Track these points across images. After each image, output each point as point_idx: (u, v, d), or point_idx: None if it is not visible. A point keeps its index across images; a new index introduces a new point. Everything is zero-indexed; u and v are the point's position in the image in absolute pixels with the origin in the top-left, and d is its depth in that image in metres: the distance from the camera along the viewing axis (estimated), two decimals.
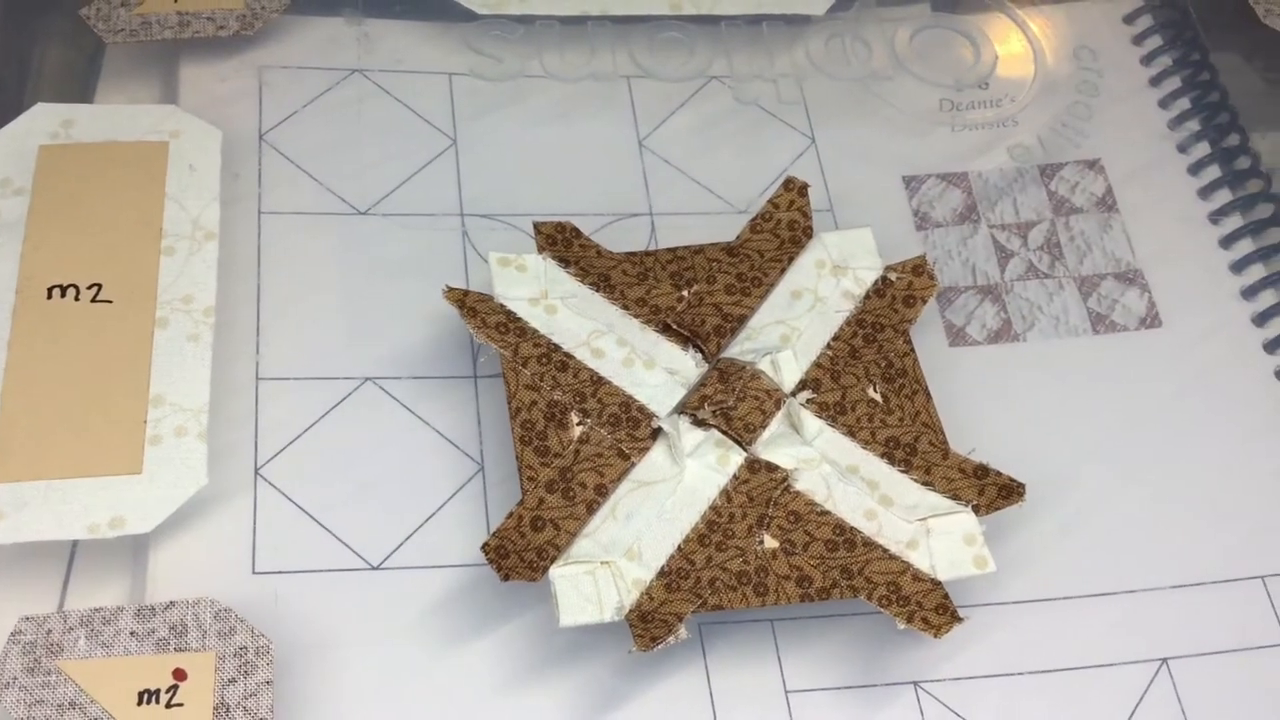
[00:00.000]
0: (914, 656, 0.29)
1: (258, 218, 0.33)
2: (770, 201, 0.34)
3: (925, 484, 0.30)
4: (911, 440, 0.30)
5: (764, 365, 0.31)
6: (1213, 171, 0.38)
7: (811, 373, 0.31)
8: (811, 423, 0.30)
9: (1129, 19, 0.42)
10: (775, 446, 0.30)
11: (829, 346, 0.31)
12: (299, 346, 0.31)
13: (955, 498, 0.29)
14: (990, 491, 0.30)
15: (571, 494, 0.28)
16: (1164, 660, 0.29)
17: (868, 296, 0.32)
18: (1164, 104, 0.40)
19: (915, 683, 0.28)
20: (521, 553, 0.27)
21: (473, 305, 0.30)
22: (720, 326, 0.31)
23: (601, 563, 0.27)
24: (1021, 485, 0.30)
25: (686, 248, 0.33)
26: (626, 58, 0.38)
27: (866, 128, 0.38)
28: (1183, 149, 0.39)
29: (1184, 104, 0.40)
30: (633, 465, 0.29)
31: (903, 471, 0.30)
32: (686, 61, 0.39)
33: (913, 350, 0.32)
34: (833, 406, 0.30)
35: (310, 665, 0.27)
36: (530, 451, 0.29)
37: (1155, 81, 0.40)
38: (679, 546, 0.28)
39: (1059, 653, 0.29)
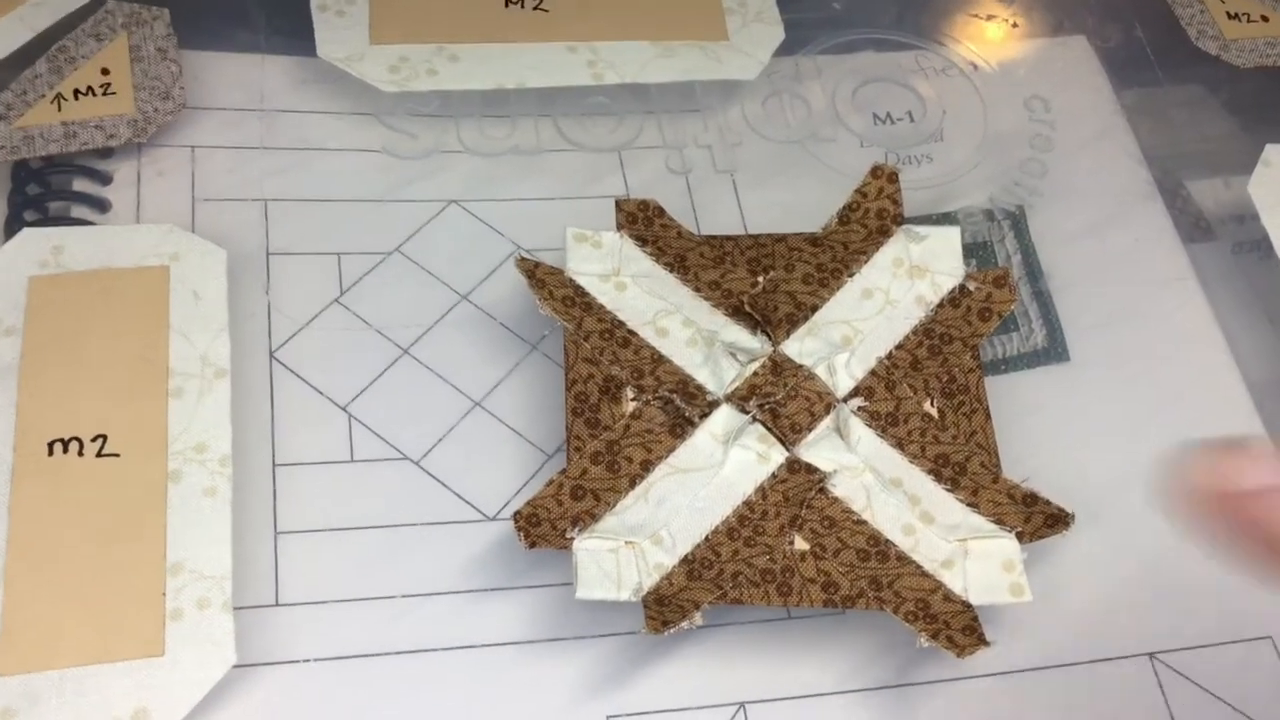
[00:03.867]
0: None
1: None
2: (858, 191, 0.33)
3: (970, 505, 0.29)
4: (962, 460, 0.29)
5: (820, 369, 0.30)
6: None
7: (867, 380, 0.30)
8: (857, 430, 0.29)
9: (1080, 62, 0.40)
10: (818, 449, 0.29)
11: (890, 355, 0.30)
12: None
13: (999, 522, 0.29)
14: (1036, 519, 0.29)
15: (616, 467, 0.28)
16: None
17: (941, 305, 0.31)
18: (1121, 152, 0.38)
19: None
20: (555, 521, 0.27)
21: (542, 277, 0.30)
22: (792, 315, 0.30)
23: (626, 542, 0.27)
24: (1069, 515, 0.29)
25: (769, 235, 0.32)
26: (551, 129, 0.36)
27: (805, 190, 0.36)
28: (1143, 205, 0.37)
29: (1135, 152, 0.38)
30: (680, 444, 0.28)
31: (948, 490, 0.29)
32: (614, 131, 0.36)
33: (979, 367, 0.31)
34: (884, 417, 0.29)
35: None
36: (581, 423, 0.29)
37: (1111, 132, 0.39)
38: (706, 536, 0.28)
39: None
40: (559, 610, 0.29)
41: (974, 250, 0.35)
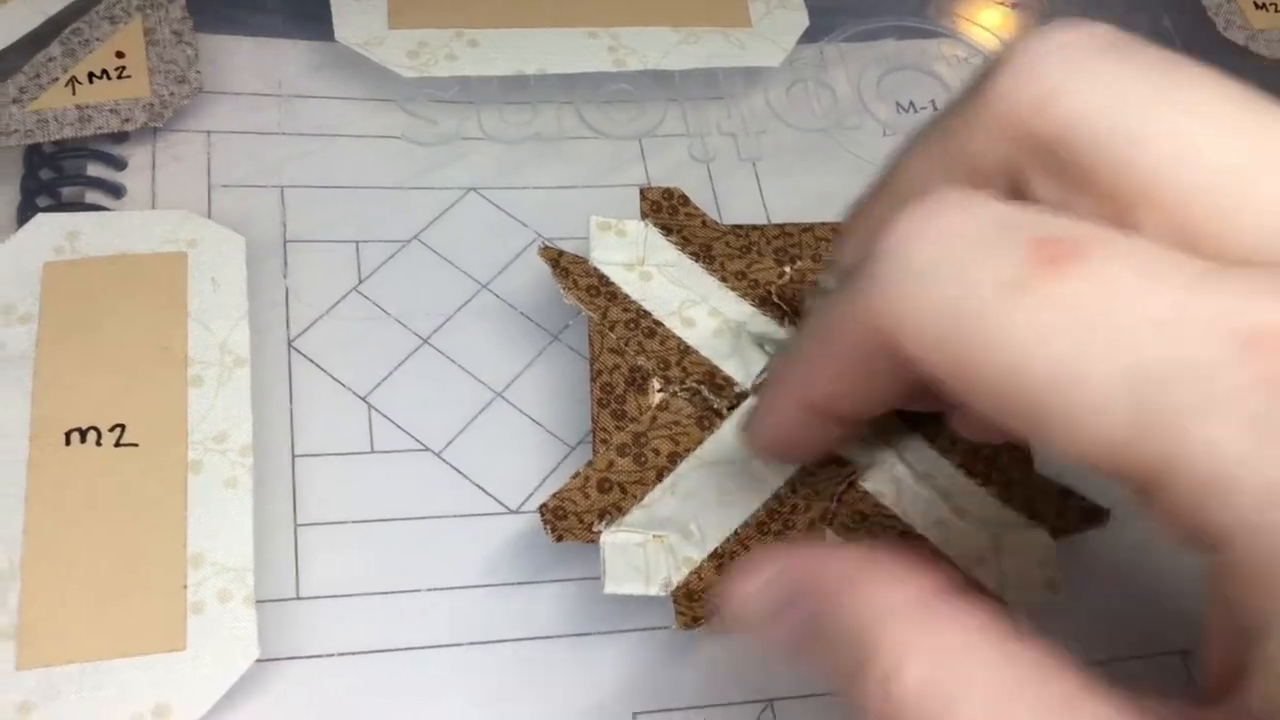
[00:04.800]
0: None
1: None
2: None
3: (1003, 500, 0.28)
4: (992, 453, 0.29)
5: None
6: None
7: None
8: (887, 423, 0.29)
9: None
10: (848, 442, 0.28)
11: None
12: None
13: (1033, 517, 0.28)
14: (1071, 514, 0.28)
15: (643, 459, 0.28)
16: None
17: None
18: None
19: None
20: (582, 514, 0.27)
21: (566, 266, 0.30)
22: None
23: (654, 536, 0.27)
24: (1106, 510, 0.28)
25: (795, 225, 0.32)
26: (572, 116, 0.36)
27: (829, 179, 0.36)
28: None
29: None
30: (707, 436, 0.28)
31: (980, 484, 0.28)
32: (636, 118, 0.36)
33: None
34: (913, 410, 0.29)
35: None
36: (607, 414, 0.28)
37: None
38: (736, 531, 0.27)
39: None
40: (584, 604, 0.28)
41: None
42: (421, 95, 0.35)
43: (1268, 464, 0.14)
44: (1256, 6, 0.40)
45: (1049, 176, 0.17)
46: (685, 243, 0.31)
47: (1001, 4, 0.41)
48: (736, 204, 0.35)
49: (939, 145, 0.19)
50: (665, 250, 0.31)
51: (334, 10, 0.35)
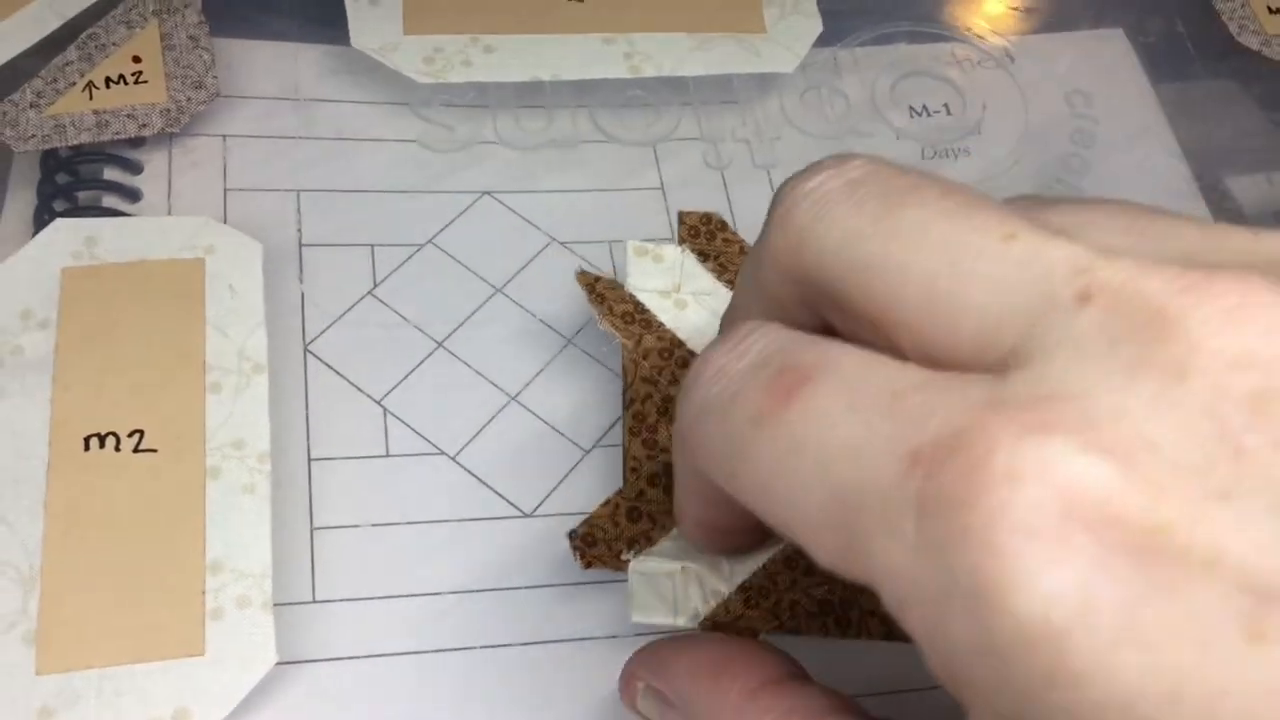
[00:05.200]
0: None
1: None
2: None
3: None
4: None
5: None
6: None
7: None
8: None
9: (1119, 56, 0.40)
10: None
11: None
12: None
13: None
14: None
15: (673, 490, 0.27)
16: None
17: None
18: (1160, 148, 0.38)
19: None
20: (610, 542, 0.27)
21: (601, 292, 0.30)
22: None
23: (682, 567, 0.26)
24: None
25: None
26: (587, 121, 0.36)
27: None
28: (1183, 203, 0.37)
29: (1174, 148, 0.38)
30: None
31: None
32: (651, 124, 0.36)
33: None
34: None
35: None
36: (638, 443, 0.28)
37: (1151, 128, 0.38)
38: (764, 565, 0.27)
39: None
40: (601, 607, 0.28)
41: None
42: (437, 100, 0.35)
43: (927, 577, 0.14)
44: (1271, 11, 0.40)
45: (826, 309, 0.19)
46: (722, 270, 0.31)
47: (1013, 8, 0.41)
48: (750, 210, 0.35)
49: (752, 275, 0.21)
50: (701, 278, 0.31)
51: (350, 16, 0.35)
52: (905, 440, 0.15)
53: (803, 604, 0.26)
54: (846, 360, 0.17)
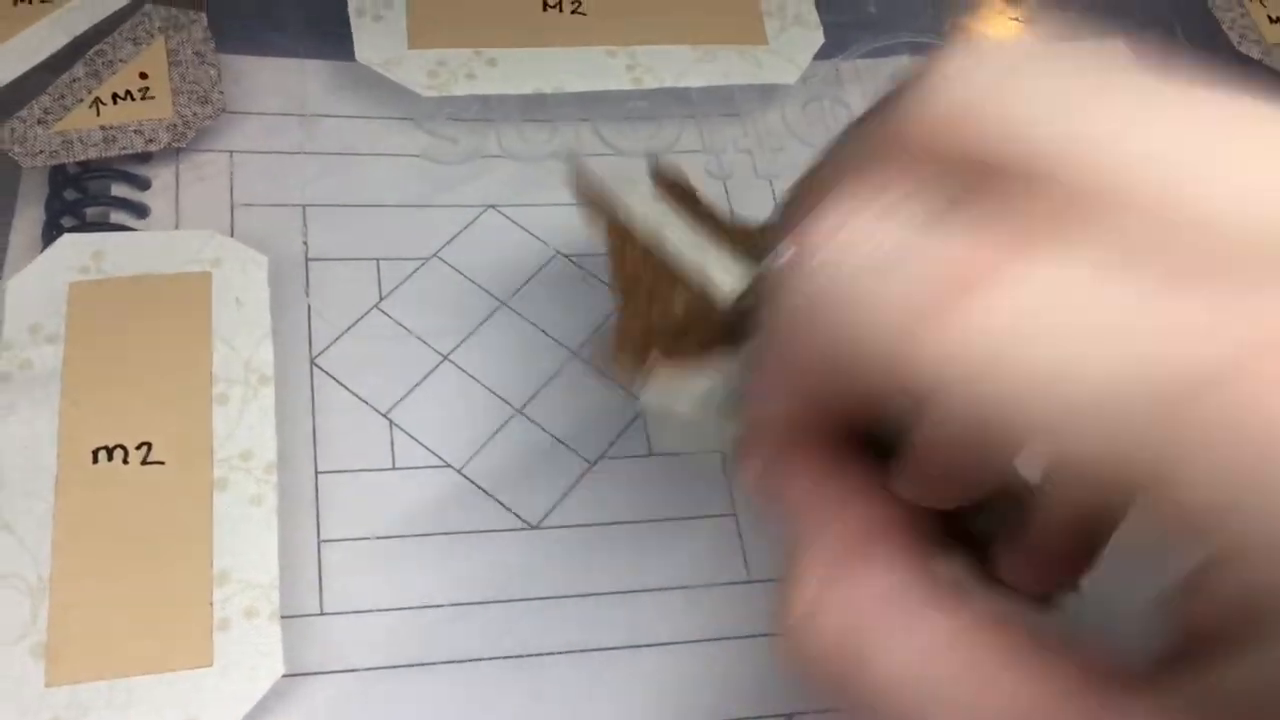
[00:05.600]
0: None
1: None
2: None
3: None
4: None
5: None
6: None
7: None
8: None
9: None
10: None
11: None
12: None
13: None
14: None
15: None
16: None
17: None
18: None
19: None
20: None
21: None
22: None
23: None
24: None
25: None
26: (590, 133, 0.36)
27: None
28: None
29: None
30: None
31: None
32: (654, 135, 0.36)
33: None
34: None
35: None
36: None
37: None
38: None
39: None
40: (608, 618, 0.28)
41: None
42: (441, 114, 0.35)
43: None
44: (1271, 20, 0.40)
45: (972, 190, 0.16)
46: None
47: (1014, 19, 0.41)
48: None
49: (857, 154, 0.18)
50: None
51: (354, 31, 0.35)
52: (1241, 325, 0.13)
53: None
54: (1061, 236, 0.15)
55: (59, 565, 0.26)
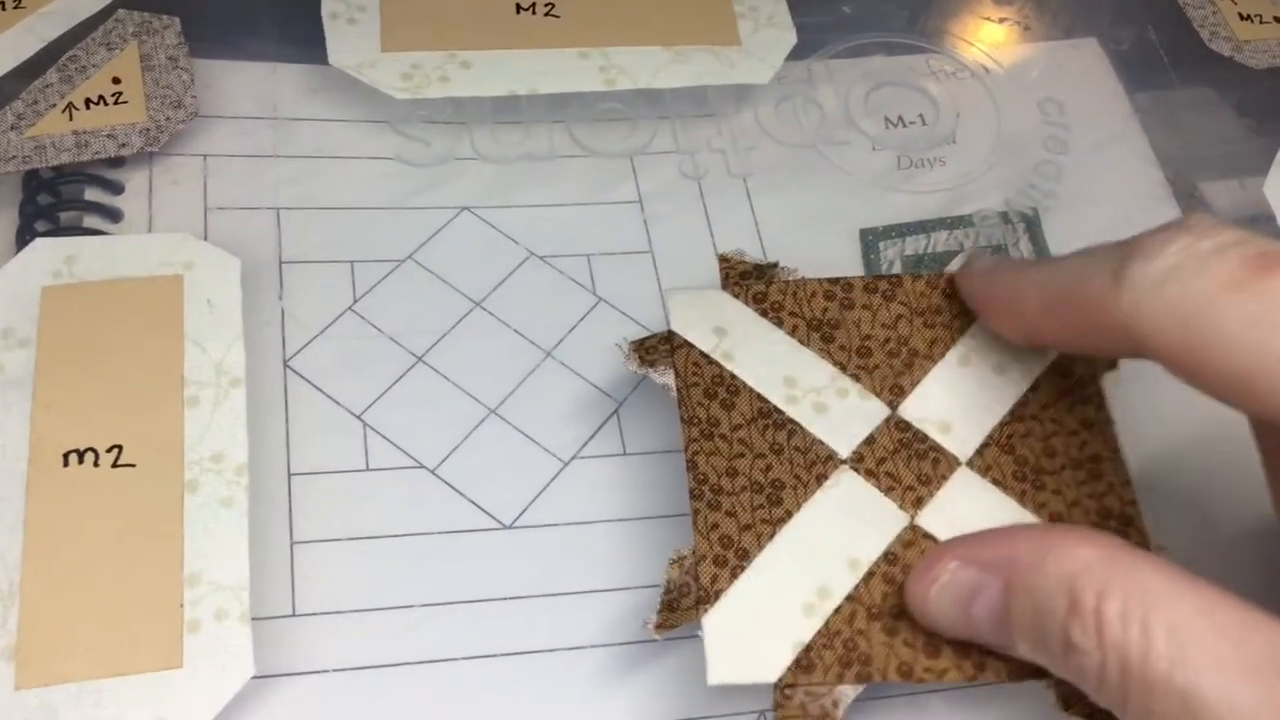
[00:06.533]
0: None
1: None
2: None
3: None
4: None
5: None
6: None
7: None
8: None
9: (1093, 64, 0.40)
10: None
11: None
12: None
13: None
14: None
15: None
16: None
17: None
18: (1134, 155, 0.38)
19: None
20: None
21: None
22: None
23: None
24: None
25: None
26: (564, 135, 0.36)
27: (818, 193, 0.36)
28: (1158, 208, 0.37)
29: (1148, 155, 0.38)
30: None
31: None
32: (627, 136, 0.36)
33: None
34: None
35: None
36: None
37: (1124, 134, 0.39)
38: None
39: None
40: (578, 619, 0.28)
41: (990, 253, 0.35)
42: (414, 116, 0.35)
43: None
44: (1241, 18, 0.40)
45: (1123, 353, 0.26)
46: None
47: (988, 19, 0.42)
48: (727, 220, 0.35)
49: (1067, 282, 0.26)
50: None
51: (327, 34, 0.35)
52: None
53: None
54: None
55: (29, 568, 0.26)
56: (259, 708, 0.26)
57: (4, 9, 0.35)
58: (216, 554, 0.27)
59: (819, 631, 0.26)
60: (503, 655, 0.28)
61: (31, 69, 0.34)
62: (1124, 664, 0.20)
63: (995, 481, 0.28)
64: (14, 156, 0.32)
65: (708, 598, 0.26)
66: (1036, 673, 0.25)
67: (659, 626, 0.26)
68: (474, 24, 0.36)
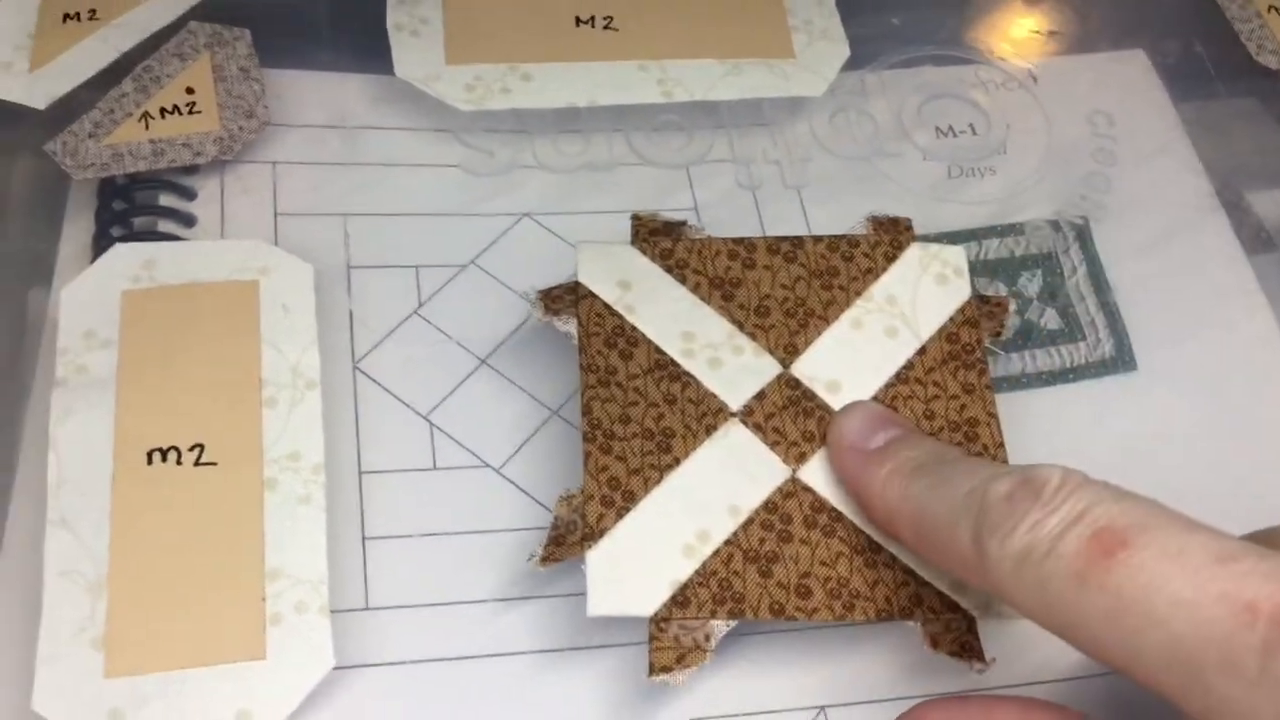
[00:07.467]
0: None
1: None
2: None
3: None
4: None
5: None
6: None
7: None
8: None
9: (1140, 76, 0.41)
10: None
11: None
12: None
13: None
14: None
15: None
16: None
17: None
18: (1182, 166, 0.39)
19: None
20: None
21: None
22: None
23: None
24: None
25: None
26: (623, 145, 0.37)
27: (871, 204, 0.36)
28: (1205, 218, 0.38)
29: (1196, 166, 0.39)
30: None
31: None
32: (685, 147, 0.37)
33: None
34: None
35: None
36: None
37: (1172, 145, 0.39)
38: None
39: None
40: None
41: (1040, 260, 0.36)
42: (478, 127, 0.36)
43: (1266, 705, 0.18)
44: None
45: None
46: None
47: (1036, 32, 0.42)
48: (782, 229, 0.36)
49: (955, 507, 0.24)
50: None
51: (393, 47, 0.36)
52: (1240, 595, 0.18)
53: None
54: (1163, 525, 0.20)
55: (116, 561, 0.27)
56: (338, 697, 0.27)
57: (79, 20, 0.36)
58: (295, 549, 0.28)
59: (696, 571, 0.27)
60: (568, 649, 0.29)
61: (107, 79, 0.35)
62: None
63: None
64: (92, 164, 0.33)
65: (592, 535, 0.27)
66: (904, 612, 0.27)
67: (544, 560, 0.27)
68: (534, 36, 0.37)
